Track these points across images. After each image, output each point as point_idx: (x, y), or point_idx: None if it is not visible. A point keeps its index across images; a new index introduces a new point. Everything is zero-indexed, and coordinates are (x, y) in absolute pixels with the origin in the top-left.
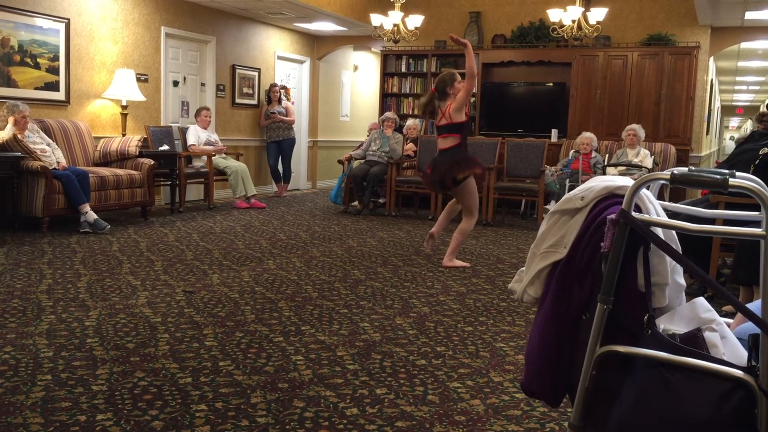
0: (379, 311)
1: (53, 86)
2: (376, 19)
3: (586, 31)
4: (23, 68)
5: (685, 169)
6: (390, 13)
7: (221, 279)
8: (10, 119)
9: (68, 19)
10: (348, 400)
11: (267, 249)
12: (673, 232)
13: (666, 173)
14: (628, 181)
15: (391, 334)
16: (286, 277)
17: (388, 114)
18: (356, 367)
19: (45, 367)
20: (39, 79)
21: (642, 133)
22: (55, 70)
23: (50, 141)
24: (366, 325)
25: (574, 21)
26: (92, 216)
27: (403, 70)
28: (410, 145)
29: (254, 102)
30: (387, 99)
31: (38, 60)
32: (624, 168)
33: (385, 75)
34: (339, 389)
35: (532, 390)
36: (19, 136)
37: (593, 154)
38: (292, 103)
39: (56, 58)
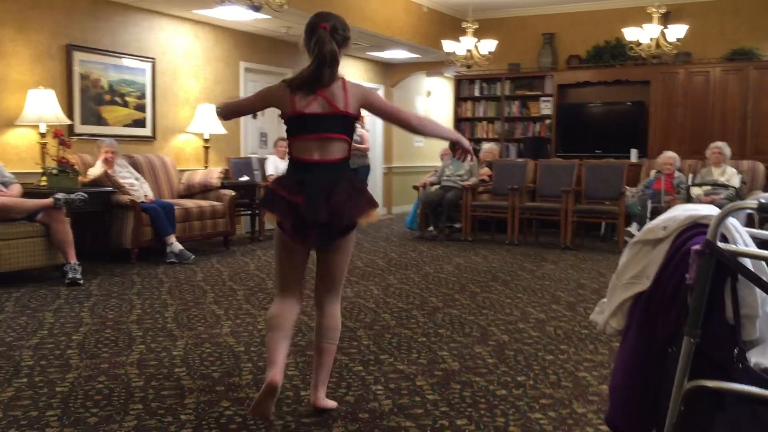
0: (457, 339)
1: (140, 123)
2: (448, 45)
3: (665, 48)
4: (113, 107)
5: None
6: (462, 39)
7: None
8: (100, 156)
9: (154, 59)
10: (429, 431)
11: None
12: (763, 261)
13: (753, 202)
14: (712, 210)
15: (471, 362)
16: (363, 305)
17: None
18: (436, 397)
19: (136, 396)
20: (127, 117)
21: (728, 150)
22: (142, 108)
23: (138, 175)
24: (445, 354)
25: (652, 39)
26: (177, 246)
27: (477, 94)
28: (485, 170)
29: None
30: (461, 123)
31: (126, 98)
32: (709, 187)
33: (459, 99)
34: (419, 420)
35: (618, 425)
36: (109, 171)
37: (676, 173)
38: (367, 131)
39: (143, 96)
